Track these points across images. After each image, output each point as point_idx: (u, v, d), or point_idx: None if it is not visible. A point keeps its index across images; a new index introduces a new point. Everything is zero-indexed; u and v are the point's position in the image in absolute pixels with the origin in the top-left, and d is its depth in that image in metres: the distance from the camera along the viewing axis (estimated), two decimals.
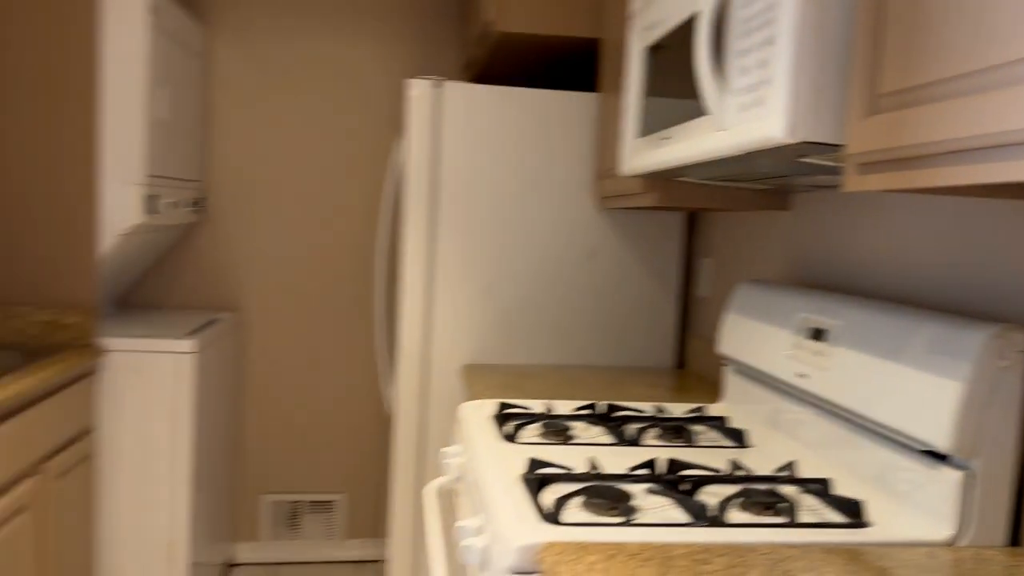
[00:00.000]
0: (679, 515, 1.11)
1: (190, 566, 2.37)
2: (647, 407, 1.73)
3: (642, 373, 2.24)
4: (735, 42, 1.13)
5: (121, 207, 2.26)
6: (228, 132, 2.91)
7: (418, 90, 2.18)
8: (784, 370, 1.47)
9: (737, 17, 1.12)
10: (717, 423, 1.60)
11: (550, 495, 1.16)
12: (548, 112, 2.24)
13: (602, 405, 1.67)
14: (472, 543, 1.14)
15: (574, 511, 1.11)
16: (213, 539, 2.70)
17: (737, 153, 1.14)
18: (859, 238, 1.52)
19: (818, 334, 1.39)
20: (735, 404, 1.72)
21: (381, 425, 3.08)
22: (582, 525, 1.05)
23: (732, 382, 1.74)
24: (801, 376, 1.41)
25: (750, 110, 1.07)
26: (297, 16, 2.91)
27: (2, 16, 2.13)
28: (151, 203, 2.31)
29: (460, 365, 2.24)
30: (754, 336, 1.61)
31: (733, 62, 1.13)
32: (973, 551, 1.04)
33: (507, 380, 2.04)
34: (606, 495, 1.13)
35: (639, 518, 1.09)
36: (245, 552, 3.02)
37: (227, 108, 2.90)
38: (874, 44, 0.91)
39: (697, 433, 1.57)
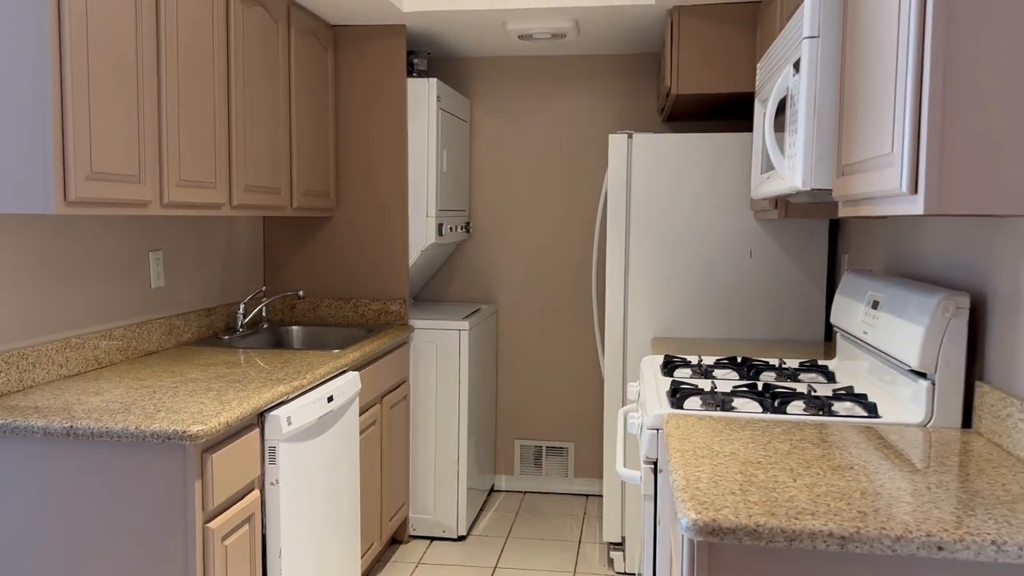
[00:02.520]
0: (757, 408, 1.89)
1: (467, 490, 3.42)
2: (773, 360, 2.47)
3: (792, 344, 2.93)
4: (786, 128, 1.89)
5: (421, 232, 3.37)
6: (484, 172, 3.97)
7: (615, 140, 3.05)
8: (857, 329, 2.16)
9: (786, 114, 1.89)
10: (821, 369, 2.31)
11: (680, 397, 1.99)
12: (714, 149, 3.01)
13: (739, 357, 2.44)
14: (635, 419, 2.00)
15: (691, 403, 1.93)
16: (482, 470, 3.75)
17: (789, 192, 1.89)
18: (911, 239, 2.16)
19: (875, 304, 2.07)
20: (840, 359, 2.40)
21: (599, 387, 3.98)
22: (693, 409, 1.87)
23: (839, 343, 2.42)
24: (864, 333, 2.10)
25: (789, 169, 1.83)
26: (532, 83, 3.90)
27: (348, 107, 3.32)
28: (440, 229, 3.40)
29: (651, 338, 3.08)
30: (847, 309, 2.29)
31: (784, 140, 1.89)
32: (935, 430, 1.72)
33: (682, 347, 2.85)
34: (714, 399, 1.93)
35: (733, 409, 1.89)
36: (503, 482, 4.07)
37: (484, 154, 3.96)
38: (840, 139, 1.65)
39: (802, 373, 2.29)
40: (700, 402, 1.93)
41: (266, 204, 2.70)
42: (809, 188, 1.75)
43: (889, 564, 1.19)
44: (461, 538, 3.45)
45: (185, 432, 1.71)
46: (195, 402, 1.93)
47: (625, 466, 2.79)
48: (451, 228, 3.58)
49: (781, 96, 1.93)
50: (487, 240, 4.00)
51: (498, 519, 3.68)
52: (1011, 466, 1.48)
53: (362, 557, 2.80)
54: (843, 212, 1.66)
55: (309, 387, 2.26)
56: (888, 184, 1.31)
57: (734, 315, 3.05)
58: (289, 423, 2.07)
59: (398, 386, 3.21)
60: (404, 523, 3.38)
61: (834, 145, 1.72)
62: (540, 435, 4.05)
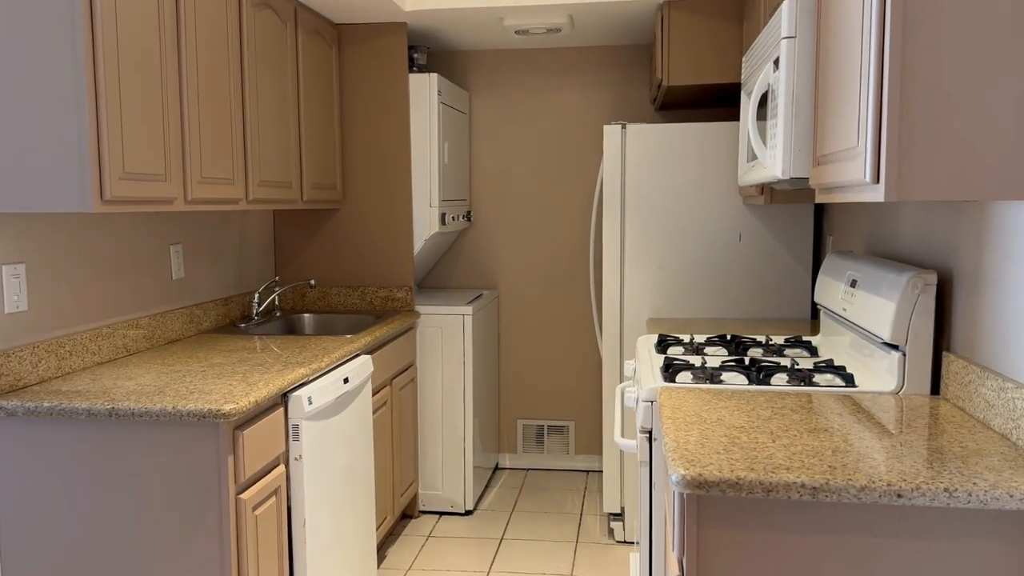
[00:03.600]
0: (743, 381, 2.05)
1: (473, 467, 3.59)
2: (760, 337, 2.63)
3: (779, 322, 3.09)
4: (768, 121, 2.03)
5: (425, 222, 3.51)
6: (484, 163, 4.11)
7: (610, 131, 3.20)
8: (837, 307, 2.31)
9: (767, 109, 2.03)
10: (805, 344, 2.47)
11: (672, 372, 2.14)
12: (704, 138, 3.15)
13: (728, 335, 2.59)
14: (631, 393, 2.16)
15: (683, 377, 2.08)
16: (486, 449, 3.91)
17: (772, 180, 2.04)
18: (888, 222, 2.31)
19: (854, 283, 2.23)
20: (823, 335, 2.56)
21: (597, 368, 4.14)
22: (684, 382, 2.03)
23: (823, 320, 2.58)
24: (844, 310, 2.25)
25: (770, 159, 1.98)
26: (529, 75, 4.04)
27: (353, 103, 3.45)
28: (443, 218, 3.54)
29: (646, 319, 3.24)
30: (829, 288, 2.45)
31: (766, 131, 2.04)
32: (906, 397, 1.88)
33: (676, 326, 3.01)
34: (704, 373, 2.08)
35: (721, 382, 2.04)
36: (506, 460, 4.23)
37: (483, 145, 4.10)
38: (816, 131, 1.80)
39: (787, 349, 2.45)
40: (691, 376, 2.09)
41: (279, 198, 2.85)
42: (788, 177, 1.90)
43: (855, 511, 1.35)
44: (468, 512, 3.61)
45: (219, 411, 1.86)
46: (224, 384, 2.08)
47: (622, 437, 2.97)
48: (453, 217, 3.72)
49: (763, 91, 2.08)
50: (488, 228, 4.14)
51: (503, 495, 3.84)
52: (971, 427, 1.64)
53: (377, 529, 2.96)
54: (819, 199, 1.81)
55: (327, 369, 2.41)
56: (854, 174, 1.46)
57: (725, 296, 3.21)
58: (310, 402, 2.22)
59: (406, 369, 3.37)
60: (414, 499, 3.55)
61: (810, 137, 1.86)
62: (541, 414, 4.21)
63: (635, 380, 2.36)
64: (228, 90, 2.49)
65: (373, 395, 2.92)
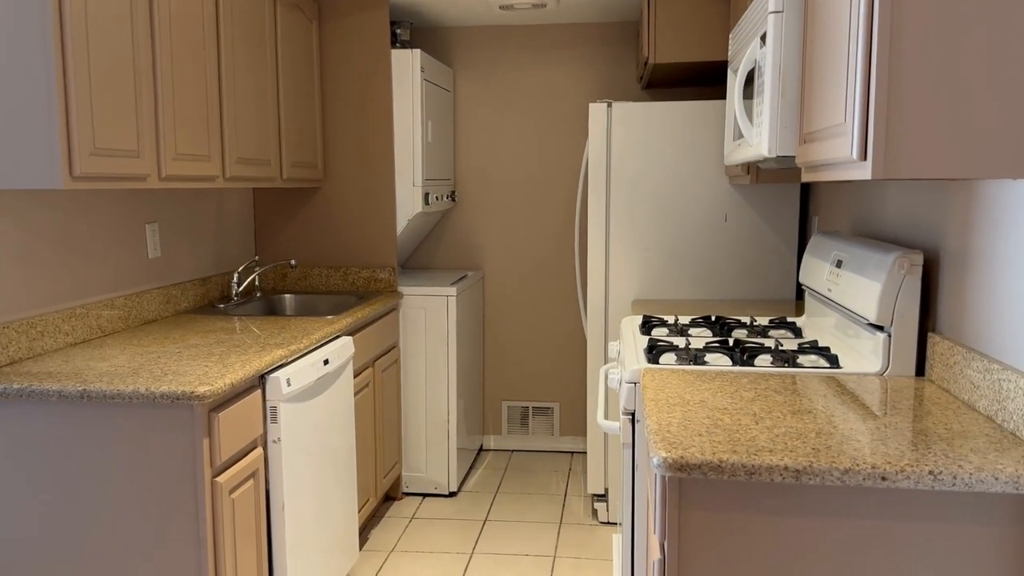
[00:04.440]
0: (727, 362, 2.02)
1: (457, 449, 3.56)
2: (745, 318, 2.60)
3: (765, 303, 3.07)
4: (754, 98, 2.00)
5: (408, 202, 3.46)
6: (469, 142, 4.06)
7: (595, 109, 3.15)
8: (823, 287, 2.29)
9: (754, 86, 1.99)
10: (789, 325, 2.45)
11: (656, 353, 2.12)
12: (689, 117, 3.12)
13: (713, 316, 2.57)
14: (615, 374, 2.13)
15: (666, 359, 2.06)
16: (471, 431, 3.89)
17: (758, 159, 2.01)
18: (874, 202, 2.29)
19: (839, 263, 2.21)
20: (808, 316, 2.54)
21: (582, 349, 4.12)
22: (667, 364, 2.00)
23: (807, 301, 2.56)
24: (829, 290, 2.23)
25: (756, 137, 1.94)
26: (514, 52, 3.97)
27: (334, 80, 3.39)
28: (426, 198, 3.49)
29: (631, 300, 3.21)
30: (814, 269, 2.43)
31: (752, 109, 2.00)
32: (891, 378, 1.86)
33: (661, 308, 2.98)
34: (687, 354, 2.06)
35: (705, 363, 2.02)
36: (491, 442, 4.22)
37: (467, 123, 4.05)
38: (803, 109, 1.76)
39: (771, 330, 2.43)
40: (675, 357, 2.07)
41: (257, 176, 2.79)
42: (775, 155, 1.86)
43: (839, 494, 1.33)
44: (452, 494, 3.60)
45: (193, 393, 1.82)
46: (199, 365, 2.04)
47: (606, 418, 2.95)
48: (437, 197, 3.68)
49: (750, 67, 2.04)
50: (472, 208, 4.10)
51: (487, 476, 3.83)
52: (955, 408, 1.62)
53: (359, 511, 2.94)
54: (805, 177, 1.78)
55: (306, 351, 2.37)
56: (841, 152, 1.43)
57: (711, 277, 3.19)
58: (289, 384, 2.18)
59: (389, 350, 3.33)
60: (398, 481, 3.53)
61: (797, 114, 1.83)
62: (526, 396, 4.19)
63: (619, 362, 2.33)
64: (203, 65, 2.43)
65: (355, 377, 2.88)
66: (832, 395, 1.71)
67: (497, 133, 4.04)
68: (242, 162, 2.67)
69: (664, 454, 1.34)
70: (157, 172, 2.20)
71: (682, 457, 1.33)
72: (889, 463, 1.30)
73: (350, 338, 2.71)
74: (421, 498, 3.56)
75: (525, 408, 4.19)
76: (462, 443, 3.69)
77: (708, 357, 2.08)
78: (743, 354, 2.06)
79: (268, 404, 2.16)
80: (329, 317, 2.75)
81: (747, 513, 1.36)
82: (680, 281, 3.20)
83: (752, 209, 3.14)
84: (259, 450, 2.14)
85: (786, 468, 1.30)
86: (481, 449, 4.21)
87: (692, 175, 3.14)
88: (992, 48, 1.28)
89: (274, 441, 2.17)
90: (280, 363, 2.21)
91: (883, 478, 1.29)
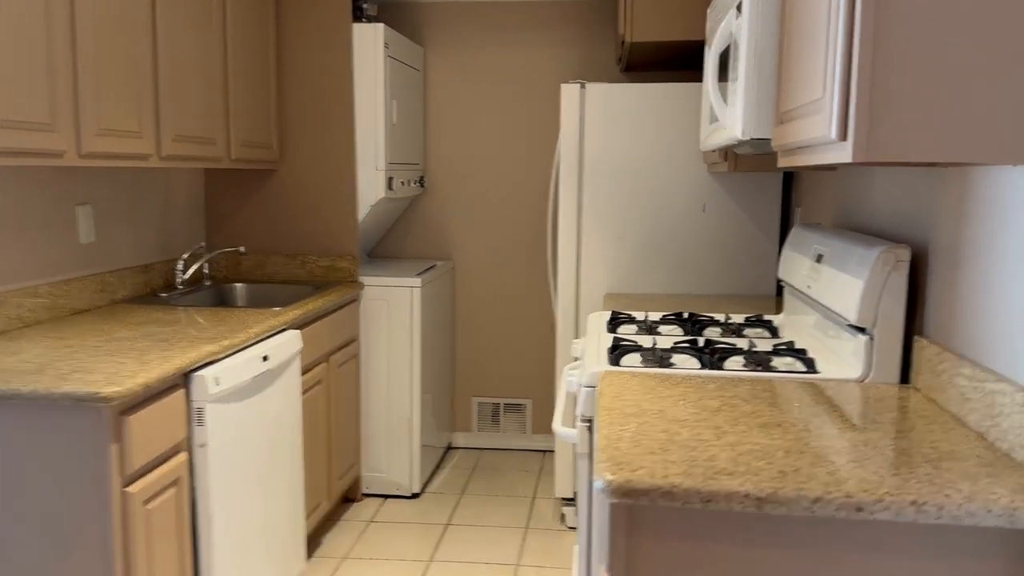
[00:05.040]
0: (695, 364, 1.85)
1: (420, 447, 3.38)
2: (720, 315, 2.43)
3: (743, 299, 2.89)
4: (729, 80, 1.81)
5: (371, 186, 3.27)
6: (440, 125, 3.86)
7: (568, 90, 2.96)
8: (802, 283, 2.11)
9: (729, 65, 1.81)
10: (766, 324, 2.27)
11: (619, 354, 1.93)
12: (666, 100, 2.93)
13: (685, 313, 2.39)
14: (573, 377, 1.95)
15: (630, 360, 1.88)
16: (438, 428, 3.71)
17: (732, 143, 1.83)
18: (860, 192, 2.11)
19: (820, 258, 2.03)
20: (787, 314, 2.37)
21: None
22: (631, 366, 1.82)
23: (786, 298, 2.38)
24: (808, 287, 2.05)
25: (730, 118, 1.76)
26: (488, 31, 3.77)
27: (291, 55, 3.18)
28: (390, 183, 3.30)
29: (603, 294, 3.03)
30: (794, 263, 2.25)
31: (727, 89, 1.82)
32: (872, 385, 1.69)
33: (634, 302, 2.80)
34: (653, 355, 1.88)
35: (671, 366, 1.84)
36: (460, 439, 4.04)
37: (438, 105, 3.85)
38: (780, 85, 1.58)
39: (747, 328, 2.25)
40: (640, 359, 1.89)
41: (200, 155, 2.59)
42: (749, 137, 1.68)
43: (808, 526, 1.16)
44: (415, 496, 3.42)
45: (98, 394, 1.63)
46: (114, 362, 1.85)
47: (565, 424, 2.76)
48: (403, 182, 3.48)
49: (726, 41, 1.85)
50: (443, 195, 3.90)
51: (454, 476, 3.65)
52: (943, 423, 1.45)
53: (307, 518, 2.75)
54: (782, 162, 1.60)
55: (241, 346, 2.18)
56: (819, 130, 1.25)
57: (688, 270, 3.01)
58: (217, 383, 1.99)
59: (347, 344, 3.14)
60: (356, 481, 3.34)
61: (774, 93, 1.65)
62: (498, 392, 4.01)
63: (582, 361, 2.15)
64: (135, 31, 2.22)
65: (304, 373, 2.69)
66: (806, 405, 1.54)
67: (470, 116, 3.84)
68: (181, 140, 2.47)
69: (609, 477, 1.17)
70: (76, 148, 2.00)
71: (629, 481, 1.15)
72: (866, 490, 1.13)
73: (297, 332, 2.52)
74: (382, 500, 3.38)
75: (496, 405, 4.01)
76: (428, 440, 3.52)
77: (675, 359, 1.91)
78: (713, 355, 1.89)
79: (193, 405, 1.97)
80: (276, 309, 2.56)
81: (704, 543, 1.19)
82: (655, 274, 3.02)
83: (731, 199, 2.96)
84: (183, 455, 1.95)
85: (747, 495, 1.13)
86: (449, 447, 4.03)
87: (669, 162, 2.96)
88: (995, 11, 1.09)
89: (200, 446, 1.98)
90: (209, 360, 2.02)
91: (858, 508, 1.11)
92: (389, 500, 3.38)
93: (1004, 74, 1.10)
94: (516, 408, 4.00)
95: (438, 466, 3.77)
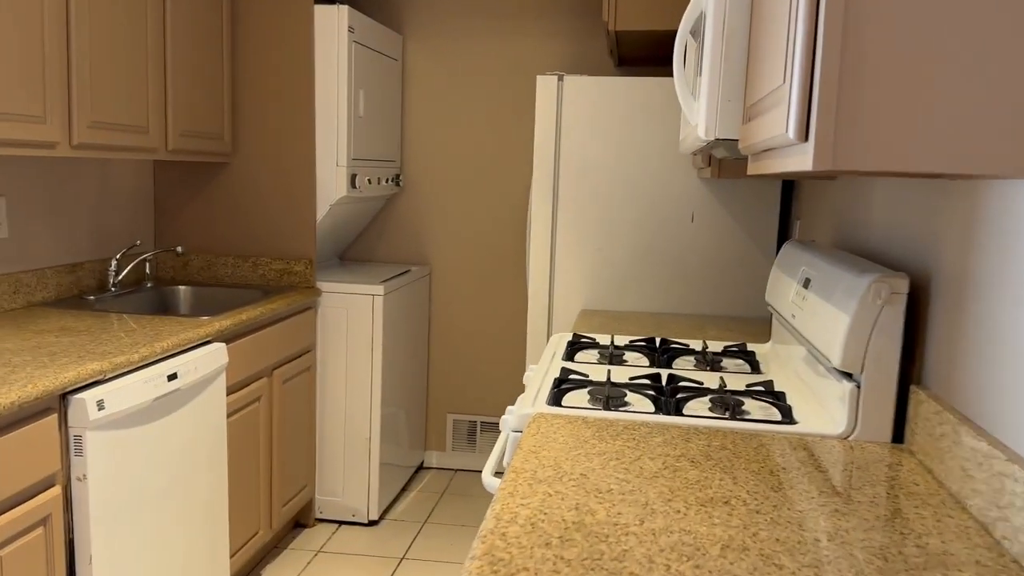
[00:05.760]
0: (649, 407, 1.55)
1: (380, 465, 3.11)
2: (696, 343, 2.13)
3: (729, 320, 2.59)
4: (695, 77, 1.51)
5: (331, 184, 3.00)
6: (419, 120, 3.58)
7: (544, 83, 2.67)
8: (787, 311, 1.81)
9: (692, 61, 1.51)
10: (747, 355, 1.97)
11: (562, 391, 1.64)
12: (653, 96, 2.63)
13: (658, 339, 2.09)
14: (506, 418, 1.66)
15: (574, 399, 1.59)
16: (407, 446, 3.44)
17: (700, 145, 1.53)
18: (858, 206, 1.80)
19: (807, 282, 1.72)
20: (774, 343, 2.06)
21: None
22: (572, 406, 1.53)
23: (774, 325, 2.08)
24: (793, 316, 1.75)
25: (697, 114, 1.46)
26: (473, 19, 3.49)
27: (247, 40, 2.92)
28: (353, 180, 3.03)
29: (579, 311, 2.73)
30: (781, 286, 1.94)
31: (695, 88, 1.52)
32: (856, 444, 1.38)
33: (609, 321, 2.51)
34: (601, 394, 1.59)
35: (620, 408, 1.55)
36: (433, 458, 3.76)
37: (418, 99, 3.57)
38: (747, 79, 1.28)
39: (724, 359, 1.95)
40: (586, 397, 1.60)
41: (126, 145, 2.33)
42: (712, 138, 1.38)
43: None
44: (372, 523, 3.14)
45: None
46: None
47: (500, 471, 2.46)
48: (370, 180, 3.21)
49: (694, 18, 1.55)
50: (421, 195, 3.63)
51: (420, 501, 3.37)
52: (937, 504, 1.14)
53: (240, 550, 2.49)
54: (751, 169, 1.30)
55: (140, 364, 1.92)
56: (776, 127, 0.95)
57: (674, 286, 2.71)
58: (101, 407, 1.73)
59: (299, 356, 2.87)
60: (309, 505, 3.08)
61: (742, 84, 1.35)
62: (475, 410, 3.73)
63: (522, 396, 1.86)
64: (40, 8, 1.97)
65: (238, 391, 2.43)
66: (770, 470, 1.24)
67: (453, 111, 3.56)
68: (100, 127, 2.21)
69: None
70: None
71: None
72: None
73: (223, 345, 2.26)
74: (336, 526, 3.12)
75: (473, 423, 3.73)
76: (395, 460, 3.24)
77: (628, 398, 1.61)
78: (673, 395, 1.59)
79: (71, 432, 1.71)
80: (202, 319, 2.30)
81: None
82: (639, 289, 2.72)
83: (724, 209, 2.65)
84: (56, 489, 1.69)
85: None
86: (421, 467, 3.75)
87: (655, 165, 2.66)
88: None
89: (79, 478, 1.72)
90: (92, 380, 1.75)
91: None
92: (344, 527, 3.11)
93: (1015, 60, 0.80)
94: (494, 427, 3.72)
95: (405, 488, 3.50)
